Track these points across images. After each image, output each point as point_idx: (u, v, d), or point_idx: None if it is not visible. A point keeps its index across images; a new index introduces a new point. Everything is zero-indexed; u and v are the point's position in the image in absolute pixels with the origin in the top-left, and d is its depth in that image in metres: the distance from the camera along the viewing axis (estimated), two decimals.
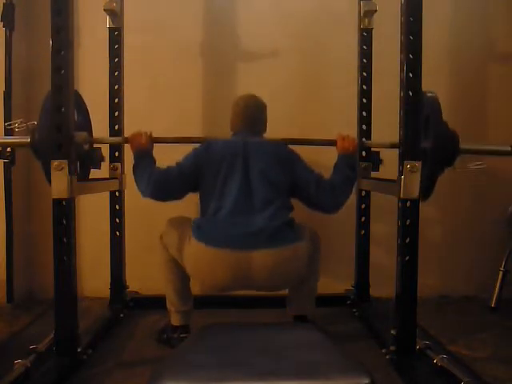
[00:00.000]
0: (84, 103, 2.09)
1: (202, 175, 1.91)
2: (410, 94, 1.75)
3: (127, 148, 2.41)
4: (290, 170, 1.92)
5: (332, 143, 1.99)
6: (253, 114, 2.05)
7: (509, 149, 1.93)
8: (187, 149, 1.98)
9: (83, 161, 2.04)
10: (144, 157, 1.96)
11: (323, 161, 2.07)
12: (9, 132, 2.09)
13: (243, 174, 1.87)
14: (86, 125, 2.09)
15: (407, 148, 1.76)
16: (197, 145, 1.99)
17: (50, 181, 1.73)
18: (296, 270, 1.87)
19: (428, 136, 1.86)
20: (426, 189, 1.87)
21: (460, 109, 2.63)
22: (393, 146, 1.87)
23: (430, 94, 1.88)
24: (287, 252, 1.80)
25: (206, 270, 1.82)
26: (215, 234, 1.80)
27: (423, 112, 1.82)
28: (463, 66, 2.72)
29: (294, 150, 1.99)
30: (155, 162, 1.97)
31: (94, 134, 2.15)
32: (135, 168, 1.97)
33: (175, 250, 1.94)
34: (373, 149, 2.42)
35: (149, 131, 2.00)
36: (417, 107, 1.76)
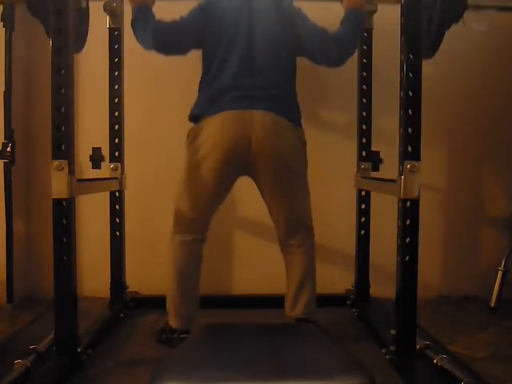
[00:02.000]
0: None
1: (204, 34, 1.92)
2: (410, 94, 1.75)
3: (127, 148, 2.43)
4: (293, 27, 1.93)
5: None
6: None
7: None
8: None
9: (82, 17, 2.03)
10: (144, 11, 1.93)
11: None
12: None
13: (246, 44, 1.87)
14: None
15: (407, 148, 1.76)
16: None
17: (49, 36, 1.70)
18: (292, 143, 1.88)
19: None
20: (433, 45, 1.88)
21: None
22: None
23: None
24: (284, 123, 1.85)
25: (212, 136, 1.83)
26: (219, 102, 1.84)
27: None
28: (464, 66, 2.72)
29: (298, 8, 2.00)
30: (155, 17, 1.94)
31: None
32: (134, 21, 1.93)
33: (185, 190, 1.93)
34: (373, 149, 2.42)
35: None
36: (417, 107, 1.76)
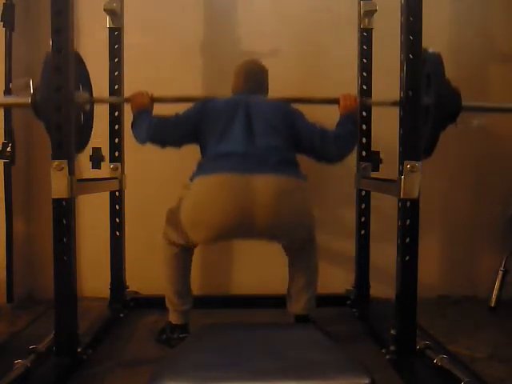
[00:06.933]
0: (84, 63, 2.09)
1: (201, 125, 1.94)
2: (410, 93, 1.75)
3: (127, 148, 2.42)
4: (293, 124, 1.95)
5: (334, 102, 2.02)
6: (254, 75, 2.10)
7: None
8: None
9: (86, 120, 2.06)
10: (144, 114, 1.98)
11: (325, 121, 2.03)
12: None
13: (245, 121, 1.88)
14: (87, 85, 2.11)
15: (407, 148, 1.76)
16: None
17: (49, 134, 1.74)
18: (299, 206, 1.84)
19: (430, 92, 1.84)
20: (429, 146, 1.87)
21: None
22: (394, 104, 1.85)
23: (431, 51, 1.86)
24: (290, 183, 1.81)
25: (207, 203, 1.78)
26: (215, 165, 1.82)
27: (424, 69, 1.81)
28: (462, 66, 2.72)
29: (296, 108, 2.02)
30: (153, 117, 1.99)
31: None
32: (134, 122, 1.99)
33: (173, 224, 1.92)
34: (373, 149, 2.42)
35: (150, 92, 2.03)
36: (416, 105, 1.76)
